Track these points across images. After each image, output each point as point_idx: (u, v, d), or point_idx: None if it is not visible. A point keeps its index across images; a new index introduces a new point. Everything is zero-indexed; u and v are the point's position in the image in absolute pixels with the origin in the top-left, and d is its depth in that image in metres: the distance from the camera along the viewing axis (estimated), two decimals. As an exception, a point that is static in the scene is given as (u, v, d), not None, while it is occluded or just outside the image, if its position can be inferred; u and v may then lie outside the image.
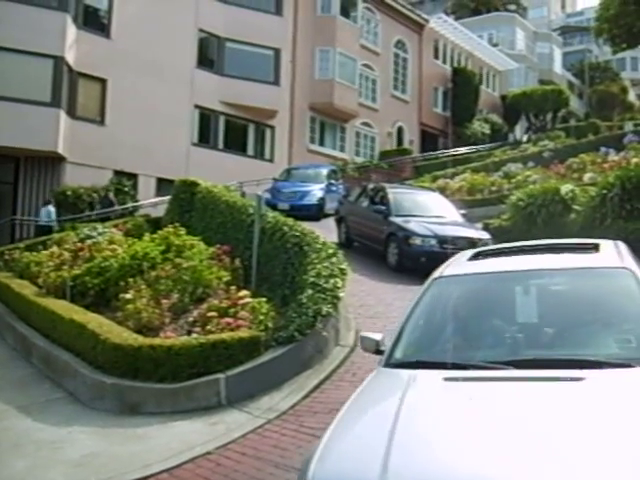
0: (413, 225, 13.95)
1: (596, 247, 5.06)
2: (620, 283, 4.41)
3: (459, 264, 5.33)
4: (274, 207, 17.93)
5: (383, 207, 15.19)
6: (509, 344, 4.24)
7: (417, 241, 13.52)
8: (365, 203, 16.71)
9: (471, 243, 12.80)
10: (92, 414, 7.62)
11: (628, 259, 4.68)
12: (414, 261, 13.32)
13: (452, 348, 4.26)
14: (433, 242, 13.37)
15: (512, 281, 4.78)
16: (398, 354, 4.32)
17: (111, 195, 22.46)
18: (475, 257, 5.39)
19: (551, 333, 4.27)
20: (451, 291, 4.91)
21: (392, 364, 4.23)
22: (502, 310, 4.68)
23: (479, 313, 4.74)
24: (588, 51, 70.44)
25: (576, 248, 5.31)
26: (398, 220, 14.35)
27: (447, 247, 12.66)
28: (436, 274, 5.01)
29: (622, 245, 5.20)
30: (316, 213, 22.09)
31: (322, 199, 23.13)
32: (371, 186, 17.61)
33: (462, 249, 11.19)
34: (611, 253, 4.88)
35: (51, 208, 21.14)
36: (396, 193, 15.91)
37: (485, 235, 14.00)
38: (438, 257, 11.33)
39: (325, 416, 6.98)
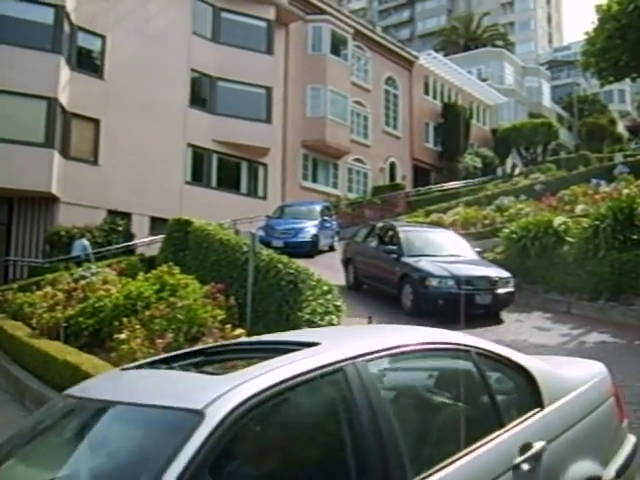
0: (428, 265, 13.28)
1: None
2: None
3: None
4: (268, 244, 17.75)
5: (394, 247, 14.50)
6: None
7: (433, 282, 12.80)
8: (374, 243, 15.95)
9: (491, 282, 12.83)
10: (86, 457, 7.49)
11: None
12: (431, 304, 12.68)
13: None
14: (451, 283, 12.68)
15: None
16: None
17: (84, 240, 21.37)
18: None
19: None
20: None
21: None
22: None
23: None
24: (576, 84, 71.35)
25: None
26: (411, 260, 13.66)
27: (466, 288, 12.32)
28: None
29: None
30: (310, 250, 22.07)
31: (316, 236, 23.15)
32: (380, 225, 16.85)
33: (482, 289, 12.76)
34: None
35: (85, 242, 21.04)
36: (407, 232, 15.22)
37: (505, 273, 13.41)
38: (457, 299, 11.58)
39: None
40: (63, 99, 23.50)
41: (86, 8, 24.65)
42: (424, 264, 13.33)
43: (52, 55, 23.03)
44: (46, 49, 22.92)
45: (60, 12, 23.32)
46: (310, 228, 23.17)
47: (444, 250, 14.43)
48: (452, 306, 11.55)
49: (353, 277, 16.52)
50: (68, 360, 8.98)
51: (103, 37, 25.63)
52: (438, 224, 23.73)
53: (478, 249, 15.10)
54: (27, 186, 22.21)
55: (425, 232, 15.93)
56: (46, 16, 23.12)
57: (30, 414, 9.25)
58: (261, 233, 20.84)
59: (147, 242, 22.93)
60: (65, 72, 23.72)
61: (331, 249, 24.59)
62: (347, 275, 16.92)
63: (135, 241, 23.67)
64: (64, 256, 20.92)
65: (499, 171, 43.64)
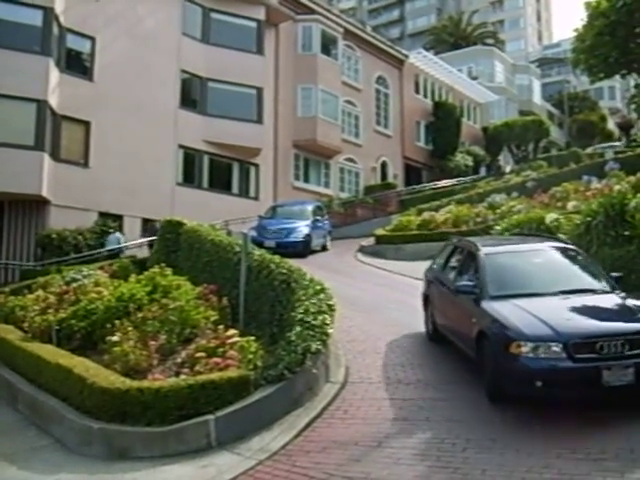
0: (516, 316, 7.88)
1: None
2: None
3: None
4: (260, 245, 17.70)
5: (471, 282, 9.22)
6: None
7: (524, 349, 7.35)
8: (452, 274, 10.63)
9: (632, 343, 7.23)
10: (79, 460, 7.47)
11: None
12: (521, 386, 7.47)
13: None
14: (556, 349, 7.28)
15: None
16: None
17: (157, 224, 22.17)
18: None
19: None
20: None
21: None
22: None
23: None
24: (566, 81, 71.57)
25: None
26: (493, 307, 8.31)
27: (585, 357, 7.20)
28: None
29: None
30: (303, 250, 22.07)
31: (308, 235, 23.12)
32: (454, 242, 11.69)
33: (616, 356, 7.18)
34: None
35: (119, 235, 22.20)
36: (493, 255, 9.62)
37: None
38: (569, 379, 7.21)
39: (317, 455, 6.89)
40: (53, 101, 23.41)
41: (75, 10, 24.57)
42: (509, 313, 7.97)
43: (41, 57, 22.94)
44: (35, 51, 22.84)
45: (49, 14, 23.23)
46: (302, 228, 23.13)
47: (556, 282, 8.96)
48: (560, 391, 7.34)
49: (431, 323, 11.24)
50: (60, 363, 8.94)
51: (92, 39, 25.54)
52: (430, 222, 23.79)
53: (615, 274, 9.56)
54: (17, 189, 22.13)
55: (521, 253, 9.99)
56: (35, 18, 23.01)
57: (23, 418, 9.22)
58: (253, 233, 20.83)
59: (138, 244, 22.85)
60: (55, 74, 23.63)
61: (323, 249, 24.59)
62: (425, 318, 11.70)
63: (127, 243, 23.59)
64: (56, 259, 20.90)
65: (482, 171, 43.35)
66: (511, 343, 7.41)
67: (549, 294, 8.45)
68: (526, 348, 7.31)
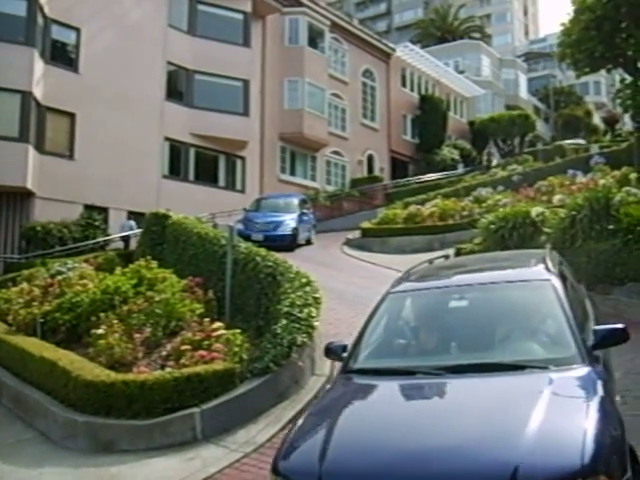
0: (313, 421, 4.55)
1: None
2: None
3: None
4: (247, 238, 17.47)
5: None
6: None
7: None
8: None
9: None
10: (64, 454, 7.45)
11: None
12: None
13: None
14: None
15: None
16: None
17: (132, 222, 23.18)
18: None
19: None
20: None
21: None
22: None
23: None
24: (552, 76, 71.83)
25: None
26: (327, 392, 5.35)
27: None
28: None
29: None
30: (290, 243, 21.97)
31: (296, 229, 23.02)
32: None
33: None
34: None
35: (132, 222, 22.77)
36: (400, 294, 5.86)
37: None
38: None
39: (303, 448, 6.88)
40: (37, 93, 23.22)
41: (60, 0, 24.36)
42: (316, 411, 4.89)
43: (25, 48, 22.74)
44: (19, 42, 22.65)
45: (33, 4, 23.02)
46: (289, 221, 23.02)
47: (468, 345, 5.15)
48: None
49: None
50: (45, 356, 8.90)
51: (78, 30, 25.35)
52: (416, 216, 23.84)
53: (604, 327, 5.09)
54: (1, 181, 21.96)
55: (458, 290, 5.74)
56: (19, 8, 22.81)
57: (7, 411, 9.17)
58: (240, 227, 20.79)
59: (123, 237, 22.78)
60: (39, 65, 23.44)
61: (308, 242, 24.54)
62: None
63: (112, 236, 23.50)
64: (41, 251, 20.79)
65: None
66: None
67: (430, 373, 4.70)
68: None
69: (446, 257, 8.47)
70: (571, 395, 4.12)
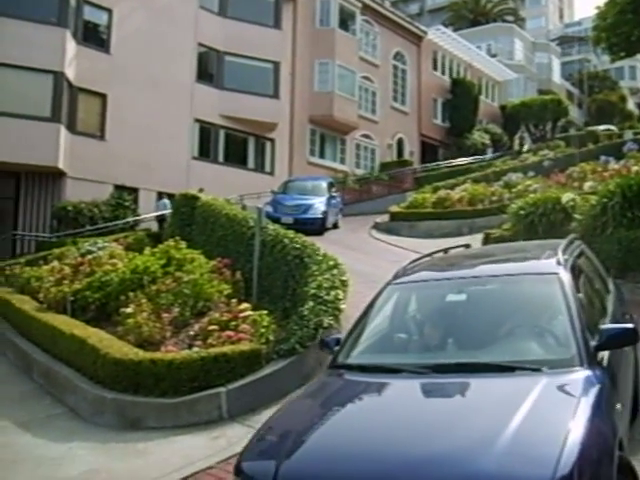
0: (291, 419, 4.34)
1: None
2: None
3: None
4: (277, 220, 17.28)
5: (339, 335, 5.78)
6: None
7: None
8: None
9: None
10: (92, 429, 7.57)
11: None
12: None
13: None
14: None
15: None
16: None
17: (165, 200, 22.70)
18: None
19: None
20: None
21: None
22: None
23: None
24: (586, 60, 70.64)
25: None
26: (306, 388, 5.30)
27: None
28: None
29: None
30: (320, 227, 21.73)
31: (326, 212, 22.77)
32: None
33: None
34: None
35: (166, 201, 21.86)
36: (403, 285, 5.57)
37: None
38: None
39: (327, 429, 6.92)
40: (70, 73, 23.41)
41: (92, -19, 24.49)
42: (293, 407, 4.70)
43: (58, 29, 22.91)
44: (52, 23, 22.81)
45: (66, -15, 23.16)
46: (319, 205, 22.74)
47: (465, 342, 4.86)
48: None
49: None
50: (75, 334, 9.03)
51: (109, 11, 25.47)
52: (445, 200, 23.69)
53: (611, 326, 4.78)
54: (34, 161, 22.21)
55: (457, 283, 5.42)
56: (52, -11, 22.96)
57: (38, 387, 9.34)
58: (269, 209, 20.71)
59: (153, 217, 22.93)
60: (71, 46, 23.61)
61: (335, 226, 24.38)
62: None
63: (143, 216, 23.70)
64: (72, 231, 21.05)
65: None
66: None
67: (415, 372, 4.44)
68: None
69: (467, 246, 7.87)
70: (558, 401, 3.79)
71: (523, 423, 3.42)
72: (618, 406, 4.04)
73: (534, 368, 4.09)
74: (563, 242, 5.77)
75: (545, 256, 5.45)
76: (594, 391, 3.82)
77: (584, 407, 3.59)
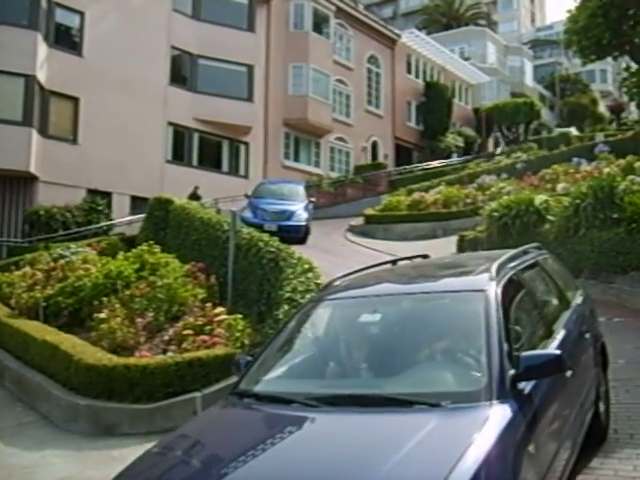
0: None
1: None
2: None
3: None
4: (259, 227, 15.78)
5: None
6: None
7: None
8: None
9: None
10: (66, 437, 7.47)
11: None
12: None
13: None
14: None
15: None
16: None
17: (198, 191, 22.81)
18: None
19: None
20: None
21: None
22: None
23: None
24: (558, 64, 71.39)
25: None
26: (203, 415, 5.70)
27: None
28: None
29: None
30: (304, 235, 20.57)
31: (308, 219, 21.37)
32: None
33: None
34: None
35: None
36: (327, 302, 5.17)
37: None
38: None
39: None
40: (41, 76, 23.18)
41: (64, -16, 24.28)
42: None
43: (29, 32, 22.71)
44: (23, 25, 22.61)
45: (37, -13, 22.94)
46: (301, 211, 21.33)
47: (372, 371, 4.41)
48: None
49: None
50: (47, 340, 8.92)
51: (81, 13, 25.27)
52: (420, 203, 23.81)
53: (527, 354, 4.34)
54: (5, 165, 21.96)
55: (376, 299, 5.02)
56: (23, -9, 22.73)
57: (9, 394, 9.21)
58: (248, 214, 19.87)
59: (127, 222, 22.75)
60: (43, 49, 23.38)
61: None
62: None
63: (116, 220, 23.52)
64: (44, 235, 20.82)
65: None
66: None
67: (304, 404, 3.91)
68: None
69: (424, 257, 6.79)
70: (446, 444, 3.17)
71: (391, 473, 2.97)
72: (530, 448, 3.45)
73: (432, 403, 3.53)
74: (510, 253, 5.23)
75: (479, 270, 4.77)
76: (498, 433, 3.26)
77: (474, 452, 3.06)
